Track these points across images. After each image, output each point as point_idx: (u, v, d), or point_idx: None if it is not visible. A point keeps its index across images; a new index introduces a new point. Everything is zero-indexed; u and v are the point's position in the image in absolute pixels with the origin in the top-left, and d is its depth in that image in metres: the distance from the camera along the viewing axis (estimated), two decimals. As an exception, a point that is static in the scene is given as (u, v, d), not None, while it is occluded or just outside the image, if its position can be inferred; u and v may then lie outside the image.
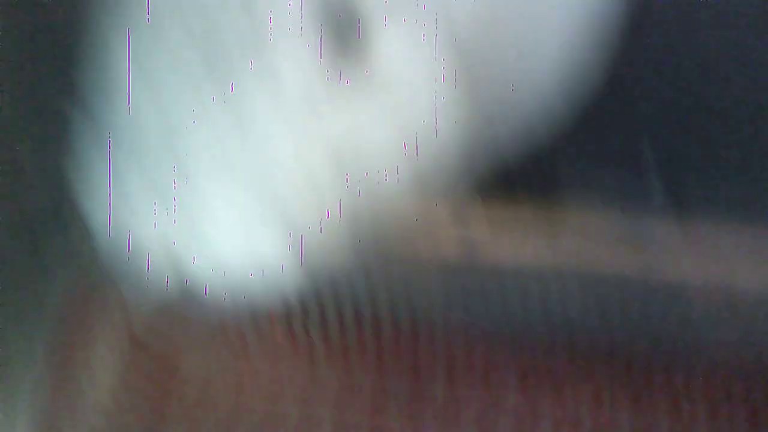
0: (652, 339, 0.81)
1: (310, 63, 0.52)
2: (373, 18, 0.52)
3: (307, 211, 0.54)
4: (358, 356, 0.90)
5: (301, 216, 0.53)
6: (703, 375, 0.83)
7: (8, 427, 0.78)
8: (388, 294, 0.80)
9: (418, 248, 0.68)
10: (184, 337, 0.92)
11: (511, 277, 0.83)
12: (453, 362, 0.87)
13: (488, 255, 0.81)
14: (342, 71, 0.53)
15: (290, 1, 0.50)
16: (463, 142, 0.58)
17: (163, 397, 0.92)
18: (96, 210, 0.53)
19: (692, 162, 0.78)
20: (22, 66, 0.81)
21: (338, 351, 0.91)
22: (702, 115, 0.73)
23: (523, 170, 0.70)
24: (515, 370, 0.88)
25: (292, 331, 0.89)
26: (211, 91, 0.51)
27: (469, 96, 0.57)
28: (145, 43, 0.52)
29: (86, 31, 0.57)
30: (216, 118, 0.51)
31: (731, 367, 0.82)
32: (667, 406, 0.86)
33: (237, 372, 0.90)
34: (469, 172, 0.62)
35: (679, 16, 0.69)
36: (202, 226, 0.52)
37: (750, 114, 0.70)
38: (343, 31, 0.52)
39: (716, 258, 0.76)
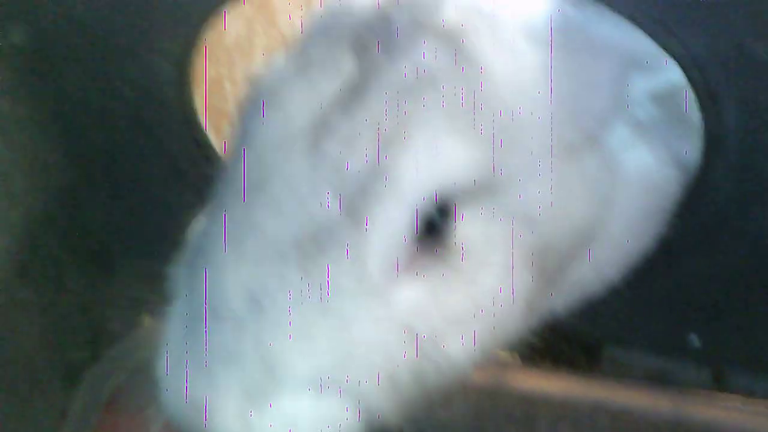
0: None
1: (396, 242, 0.52)
2: (454, 204, 0.53)
3: (378, 381, 0.52)
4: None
5: (372, 386, 0.52)
6: None
7: None
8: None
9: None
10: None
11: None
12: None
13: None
14: (424, 251, 0.52)
15: (377, 186, 0.51)
16: (528, 313, 0.58)
17: None
18: (174, 378, 0.53)
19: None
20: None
21: None
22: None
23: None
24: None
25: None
26: (298, 266, 0.50)
27: (537, 273, 0.57)
28: (238, 220, 0.52)
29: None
30: (301, 291, 0.50)
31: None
32: None
33: None
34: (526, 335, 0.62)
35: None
36: (280, 392, 0.50)
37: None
38: (429, 214, 0.52)
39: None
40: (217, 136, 0.80)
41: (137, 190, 0.78)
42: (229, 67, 0.91)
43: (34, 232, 0.72)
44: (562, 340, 0.80)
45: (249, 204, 0.52)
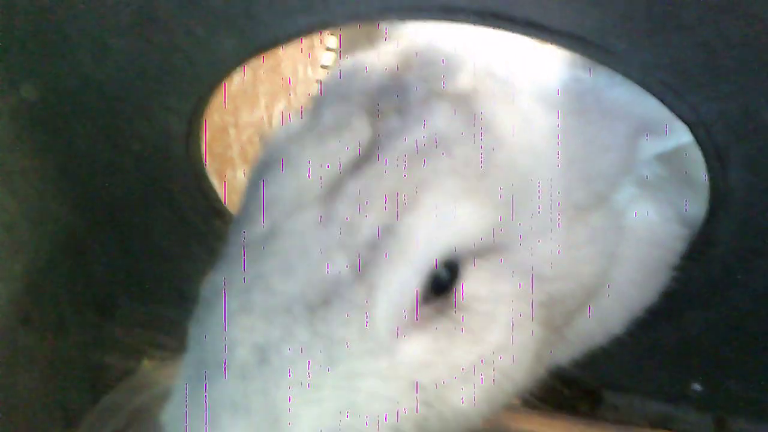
0: None
1: (404, 300, 0.52)
2: (462, 262, 0.54)
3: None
4: None
5: None
6: None
7: None
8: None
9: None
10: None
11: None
12: None
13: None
14: (432, 308, 0.53)
15: (387, 247, 0.52)
16: (534, 366, 0.59)
17: None
18: (176, 420, 0.53)
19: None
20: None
21: None
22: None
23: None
24: None
25: None
26: (305, 321, 0.51)
27: (543, 327, 0.58)
28: (247, 276, 0.53)
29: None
30: (307, 345, 0.51)
31: None
32: None
33: None
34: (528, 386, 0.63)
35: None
36: None
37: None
38: (438, 273, 0.53)
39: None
40: (220, 182, 0.80)
41: (141, 239, 0.78)
42: (233, 114, 0.91)
43: (37, 280, 0.71)
44: (564, 384, 0.81)
45: (259, 261, 0.52)
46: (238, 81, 0.94)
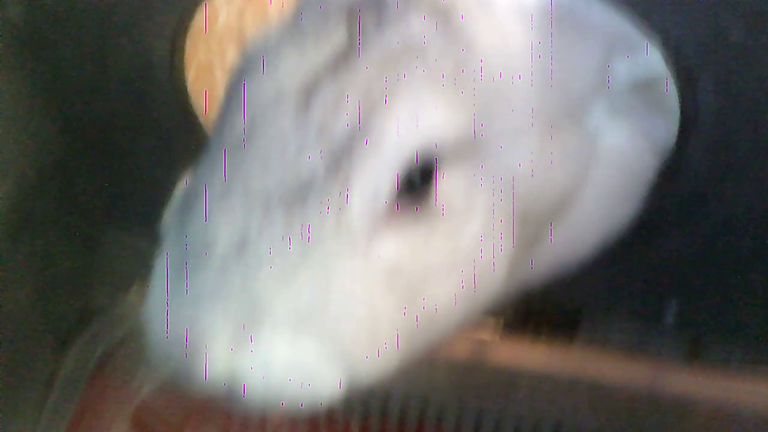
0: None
1: (377, 199, 0.54)
2: (436, 162, 0.55)
3: (360, 332, 0.54)
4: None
5: (353, 337, 0.54)
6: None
7: None
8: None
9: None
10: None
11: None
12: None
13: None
14: (405, 209, 0.55)
15: (360, 145, 0.53)
16: (507, 280, 0.61)
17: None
18: (156, 311, 0.55)
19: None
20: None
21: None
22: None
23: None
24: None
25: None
26: (282, 216, 0.53)
27: (515, 239, 0.59)
28: (225, 174, 0.54)
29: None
30: (283, 238, 0.52)
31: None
32: None
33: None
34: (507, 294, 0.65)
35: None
36: (258, 332, 0.52)
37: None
38: (411, 173, 0.54)
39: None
40: (207, 120, 0.81)
41: (128, 167, 0.80)
42: (219, 55, 0.92)
43: (25, 203, 0.73)
44: (541, 313, 0.82)
45: (236, 159, 0.54)
46: (225, 22, 0.95)
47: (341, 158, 0.53)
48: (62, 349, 0.83)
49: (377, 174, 0.54)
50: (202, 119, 0.75)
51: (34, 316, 0.78)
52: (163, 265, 0.57)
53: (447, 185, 0.56)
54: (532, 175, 0.60)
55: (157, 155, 0.77)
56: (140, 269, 0.64)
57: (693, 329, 0.80)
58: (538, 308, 0.81)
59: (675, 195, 0.71)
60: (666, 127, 0.69)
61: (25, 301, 0.77)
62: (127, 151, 0.79)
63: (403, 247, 0.55)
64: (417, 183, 0.55)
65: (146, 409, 0.90)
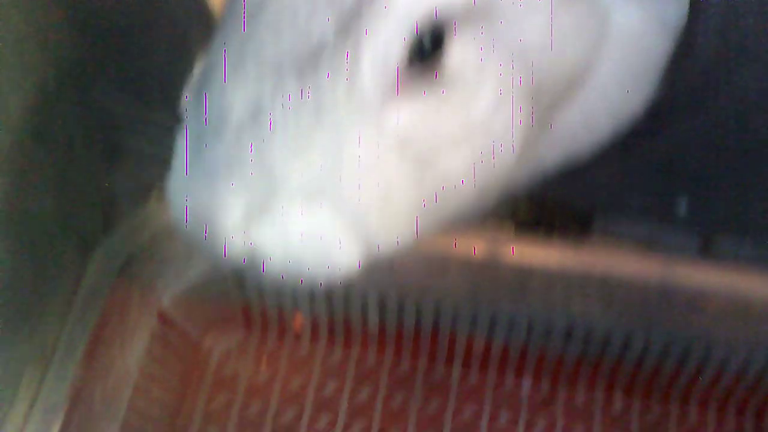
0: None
1: (388, 63, 0.54)
2: (449, 27, 0.55)
3: (374, 201, 0.55)
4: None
5: (367, 206, 0.55)
6: (714, 377, 0.86)
7: (36, 389, 0.80)
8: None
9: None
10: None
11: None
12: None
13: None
14: (418, 74, 0.55)
15: (371, 8, 0.53)
16: (521, 158, 0.61)
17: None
18: (178, 187, 0.56)
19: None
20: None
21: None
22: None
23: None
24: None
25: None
26: (295, 81, 0.53)
27: (529, 114, 0.60)
28: (239, 40, 0.55)
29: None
30: (297, 104, 0.53)
31: (741, 369, 0.84)
32: (678, 406, 0.88)
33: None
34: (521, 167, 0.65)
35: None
36: (273, 202, 0.53)
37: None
38: (423, 37, 0.54)
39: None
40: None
41: (144, 65, 0.81)
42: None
43: (47, 101, 0.74)
44: (554, 210, 0.83)
45: (249, 28, 0.54)
46: None
47: (350, 23, 0.53)
48: (85, 256, 0.85)
49: (386, 38, 0.53)
50: (216, 12, 0.76)
51: (58, 215, 0.80)
52: (183, 141, 0.59)
53: (458, 52, 0.56)
54: (545, 47, 0.60)
55: (173, 50, 0.78)
56: (159, 176, 0.66)
57: (704, 223, 0.80)
58: (551, 206, 0.82)
59: (685, 80, 0.71)
60: (676, 8, 0.69)
61: (49, 200, 0.78)
62: (143, 49, 0.80)
63: (414, 115, 0.55)
64: (428, 50, 0.55)
65: (167, 321, 0.92)
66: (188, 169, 0.56)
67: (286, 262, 0.55)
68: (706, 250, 0.81)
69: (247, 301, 0.91)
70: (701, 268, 0.81)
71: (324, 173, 0.53)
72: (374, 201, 0.55)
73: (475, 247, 0.83)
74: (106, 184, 0.83)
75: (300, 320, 0.91)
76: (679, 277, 0.81)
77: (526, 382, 0.90)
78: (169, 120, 0.62)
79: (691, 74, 0.71)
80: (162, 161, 0.62)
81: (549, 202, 0.78)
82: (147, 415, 0.85)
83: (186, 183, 0.56)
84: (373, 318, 0.89)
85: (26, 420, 0.78)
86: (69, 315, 0.85)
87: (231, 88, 0.54)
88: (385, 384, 0.89)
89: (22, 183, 0.74)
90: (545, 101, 0.62)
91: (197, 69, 0.60)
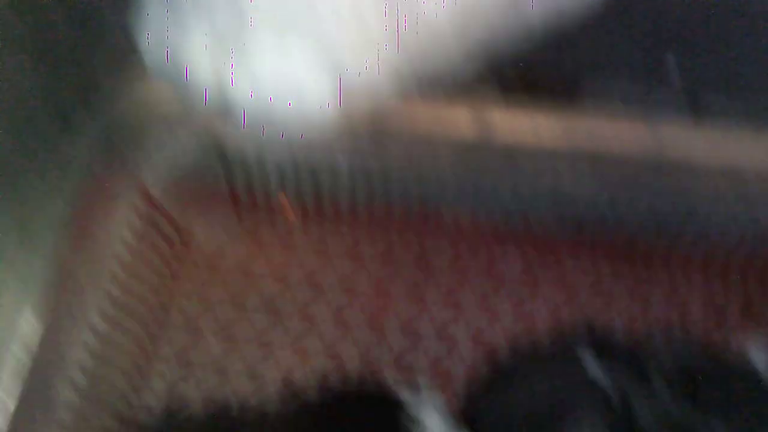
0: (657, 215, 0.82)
1: None
2: None
3: (352, 49, 0.53)
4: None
5: (346, 55, 0.53)
6: (705, 252, 0.85)
7: (25, 281, 0.79)
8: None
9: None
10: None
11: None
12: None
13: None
14: None
15: None
16: None
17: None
18: (154, 43, 0.55)
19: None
20: None
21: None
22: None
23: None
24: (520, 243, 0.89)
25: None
26: None
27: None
28: None
29: None
30: None
31: (731, 244, 0.83)
32: (665, 282, 0.88)
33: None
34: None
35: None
36: (252, 57, 0.52)
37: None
38: None
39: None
40: None
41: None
42: None
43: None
44: (541, 78, 0.82)
45: None
46: None
47: None
48: (70, 129, 0.84)
49: None
50: None
51: (40, 92, 0.79)
52: None
53: None
54: None
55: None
56: (139, 54, 0.64)
57: (693, 85, 0.79)
58: (538, 73, 0.80)
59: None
60: None
61: (29, 73, 0.77)
62: None
63: None
64: None
65: (152, 203, 0.92)
66: (161, 15, 0.55)
67: (259, 103, 0.54)
68: (696, 114, 0.79)
69: (232, 181, 0.90)
70: (692, 134, 0.80)
71: (295, 5, 0.52)
72: (349, 36, 0.54)
73: (460, 116, 0.82)
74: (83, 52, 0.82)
75: (285, 199, 0.90)
76: (670, 145, 0.80)
77: (511, 252, 0.89)
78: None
79: None
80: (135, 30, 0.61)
81: (536, 64, 0.76)
82: (132, 292, 0.85)
83: (153, 22, 0.55)
84: (360, 194, 0.88)
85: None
86: (53, 194, 0.84)
87: None
88: (370, 258, 0.89)
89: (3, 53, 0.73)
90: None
91: None
